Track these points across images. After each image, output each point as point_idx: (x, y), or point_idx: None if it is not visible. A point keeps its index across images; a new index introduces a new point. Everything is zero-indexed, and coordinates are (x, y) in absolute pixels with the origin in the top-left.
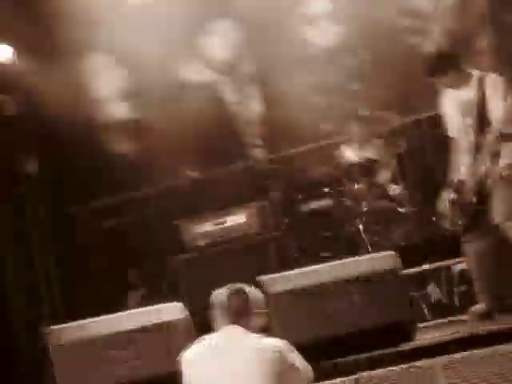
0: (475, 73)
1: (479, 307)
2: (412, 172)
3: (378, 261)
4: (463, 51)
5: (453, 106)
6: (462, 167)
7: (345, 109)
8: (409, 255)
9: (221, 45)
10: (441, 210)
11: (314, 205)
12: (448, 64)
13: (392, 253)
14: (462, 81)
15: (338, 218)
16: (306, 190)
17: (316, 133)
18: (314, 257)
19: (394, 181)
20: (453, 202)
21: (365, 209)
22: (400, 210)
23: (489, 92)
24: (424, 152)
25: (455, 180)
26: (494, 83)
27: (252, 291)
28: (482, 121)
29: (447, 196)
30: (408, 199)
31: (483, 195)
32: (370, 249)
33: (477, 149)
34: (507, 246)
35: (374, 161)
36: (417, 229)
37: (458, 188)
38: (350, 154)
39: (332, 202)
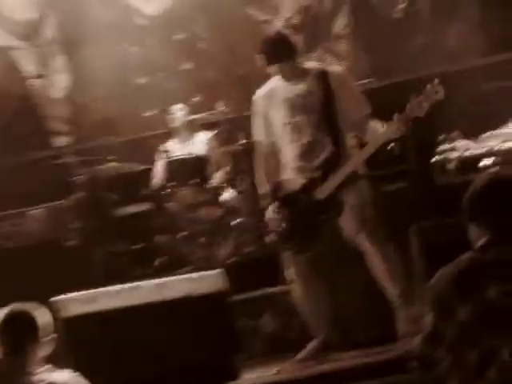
0: (314, 66)
1: (313, 344)
2: (250, 174)
3: (200, 282)
4: (316, 36)
5: (278, 99)
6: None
7: (172, 92)
8: (241, 276)
9: (19, 2)
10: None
11: (130, 209)
12: (285, 52)
13: (219, 272)
14: (296, 72)
15: (157, 227)
16: (122, 190)
17: (138, 121)
18: (122, 273)
19: (228, 184)
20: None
21: (190, 217)
22: (233, 220)
23: (335, 88)
24: None
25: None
26: (338, 78)
27: (40, 314)
28: (326, 119)
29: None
30: (244, 207)
31: (322, 202)
32: (193, 266)
33: (310, 150)
34: (349, 261)
35: (202, 158)
36: (252, 244)
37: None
38: (174, 148)
39: (151, 207)
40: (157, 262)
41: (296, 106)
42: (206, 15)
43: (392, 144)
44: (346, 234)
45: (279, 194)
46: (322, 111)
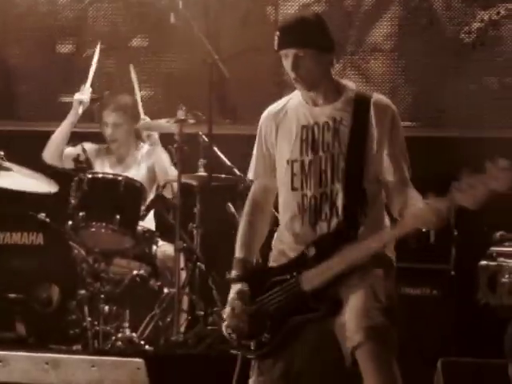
0: (351, 85)
1: None
2: (204, 224)
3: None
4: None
5: (290, 124)
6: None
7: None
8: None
9: None
10: None
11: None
12: (307, 35)
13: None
14: (323, 87)
15: (44, 275)
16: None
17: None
18: None
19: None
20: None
21: (97, 270)
22: (163, 287)
23: (376, 127)
24: None
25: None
26: (385, 115)
27: None
28: (350, 169)
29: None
30: (184, 273)
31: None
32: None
33: (316, 209)
34: None
35: (138, 187)
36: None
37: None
38: (97, 159)
39: (42, 242)
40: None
41: (313, 138)
42: None
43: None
44: (341, 344)
45: (249, 270)
46: (347, 155)
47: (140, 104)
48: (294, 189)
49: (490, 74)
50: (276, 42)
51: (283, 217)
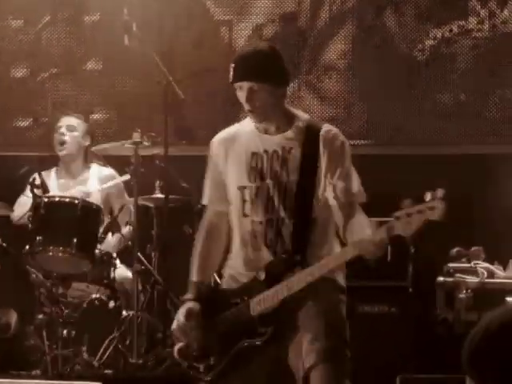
0: (301, 114)
1: None
2: (160, 247)
3: None
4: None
5: (240, 150)
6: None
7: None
8: None
9: None
10: None
11: None
12: (260, 69)
13: None
14: (275, 116)
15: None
16: None
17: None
18: None
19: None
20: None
21: (54, 294)
22: (120, 310)
23: (324, 156)
24: None
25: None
26: (332, 143)
27: None
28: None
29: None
30: (141, 295)
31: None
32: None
33: (264, 234)
34: None
35: (94, 209)
36: (146, 353)
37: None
38: (54, 183)
39: None
40: None
41: (262, 165)
42: None
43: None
44: (294, 369)
45: (202, 292)
46: (296, 183)
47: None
48: (244, 215)
49: (443, 91)
50: (231, 74)
51: (234, 242)
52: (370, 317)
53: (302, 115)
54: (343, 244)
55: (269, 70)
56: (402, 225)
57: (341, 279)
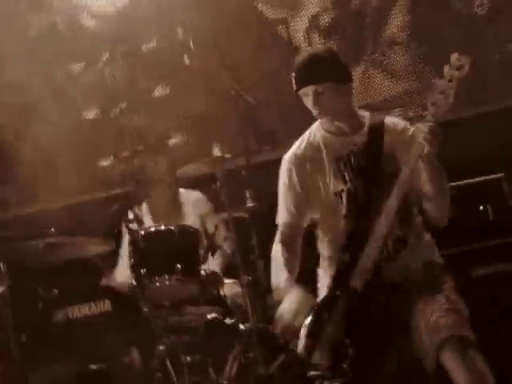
0: (367, 115)
1: None
2: (264, 255)
3: None
4: (358, 43)
5: (326, 158)
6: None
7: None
8: None
9: None
10: None
11: (80, 312)
12: (323, 70)
13: None
14: (347, 117)
15: (121, 338)
16: (66, 283)
17: (90, 173)
18: None
19: (230, 272)
20: None
21: (171, 323)
22: (237, 325)
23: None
24: None
25: None
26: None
27: None
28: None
29: None
30: (254, 306)
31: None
32: None
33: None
34: None
35: (191, 232)
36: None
37: None
38: (148, 216)
39: (111, 308)
40: None
41: (351, 166)
42: (189, 13)
43: (482, 206)
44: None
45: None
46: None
47: None
48: (341, 217)
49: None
50: (294, 83)
51: (330, 247)
52: (486, 279)
53: (367, 115)
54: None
55: (328, 69)
56: (440, 98)
57: (438, 259)
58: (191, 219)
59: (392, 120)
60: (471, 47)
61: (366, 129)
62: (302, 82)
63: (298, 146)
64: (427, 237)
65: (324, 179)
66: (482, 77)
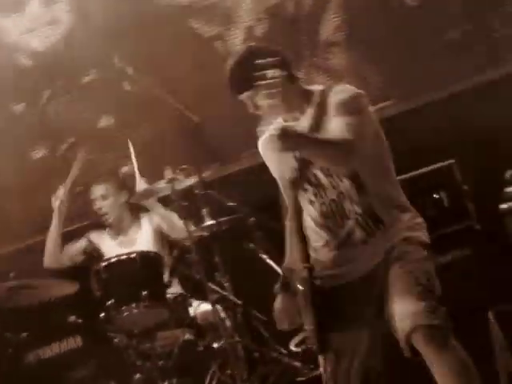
0: (317, 89)
1: None
2: (228, 270)
3: None
4: (296, 49)
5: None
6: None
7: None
8: None
9: None
10: None
11: (49, 352)
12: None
13: None
14: (294, 103)
15: (94, 373)
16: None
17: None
18: None
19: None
20: None
21: (143, 350)
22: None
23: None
24: None
25: None
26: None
27: None
28: None
29: None
30: (228, 322)
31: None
32: None
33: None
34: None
35: (152, 257)
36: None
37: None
38: (109, 245)
39: (82, 344)
40: None
41: None
42: (125, 40)
43: (436, 194)
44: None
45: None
46: None
47: (138, 175)
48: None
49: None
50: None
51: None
52: (445, 267)
53: (317, 88)
54: None
55: (249, 72)
56: None
57: (424, 236)
58: (148, 238)
59: (336, 89)
60: (407, 39)
61: (311, 110)
62: (235, 92)
63: (263, 138)
64: (405, 216)
65: (284, 168)
66: (423, 66)
